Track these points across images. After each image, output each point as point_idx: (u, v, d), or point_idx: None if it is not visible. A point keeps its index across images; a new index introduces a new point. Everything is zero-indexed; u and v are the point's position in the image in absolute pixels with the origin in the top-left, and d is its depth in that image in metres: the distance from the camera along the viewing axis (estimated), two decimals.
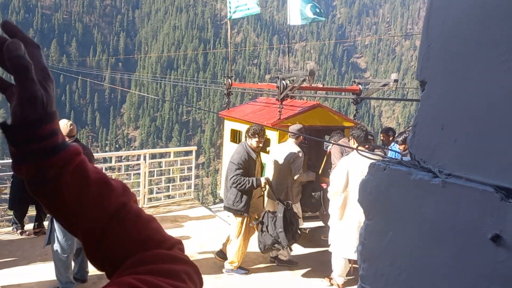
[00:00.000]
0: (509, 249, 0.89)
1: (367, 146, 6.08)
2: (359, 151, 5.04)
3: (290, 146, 6.49)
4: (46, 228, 5.72)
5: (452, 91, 1.01)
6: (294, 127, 6.47)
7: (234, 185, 5.91)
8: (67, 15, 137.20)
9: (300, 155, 6.39)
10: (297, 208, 6.59)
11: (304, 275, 6.40)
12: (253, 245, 6.33)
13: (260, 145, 6.16)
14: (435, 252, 1.01)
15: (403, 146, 6.89)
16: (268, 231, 5.93)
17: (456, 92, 1.00)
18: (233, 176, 5.88)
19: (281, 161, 6.47)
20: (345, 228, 5.61)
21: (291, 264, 6.65)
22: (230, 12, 9.67)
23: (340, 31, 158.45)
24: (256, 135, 6.03)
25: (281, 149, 6.61)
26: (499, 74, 0.92)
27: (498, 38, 0.92)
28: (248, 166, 6.00)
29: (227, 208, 6.21)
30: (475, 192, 0.94)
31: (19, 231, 7.24)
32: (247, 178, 5.95)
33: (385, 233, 1.12)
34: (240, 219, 6.16)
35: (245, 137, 6.23)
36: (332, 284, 6.24)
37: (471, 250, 0.95)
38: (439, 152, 1.03)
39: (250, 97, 10.64)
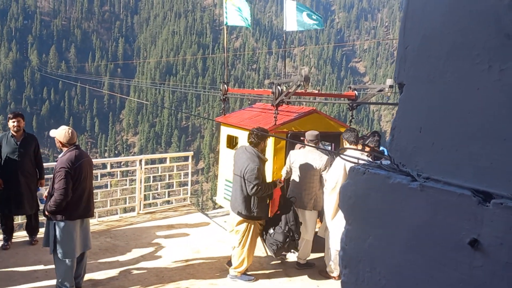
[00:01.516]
0: (486, 253, 0.87)
1: (363, 147, 6.21)
2: (341, 156, 5.16)
3: (318, 154, 6.44)
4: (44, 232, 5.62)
5: (429, 93, 0.99)
6: (311, 133, 6.40)
7: (257, 194, 5.86)
8: (66, 21, 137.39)
9: (330, 163, 6.33)
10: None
11: (311, 277, 6.38)
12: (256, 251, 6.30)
13: (266, 147, 6.16)
14: (414, 257, 0.99)
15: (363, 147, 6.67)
16: (281, 228, 5.96)
17: (433, 95, 0.98)
18: (255, 186, 5.77)
19: (310, 169, 6.42)
20: (340, 220, 5.69)
21: (310, 266, 6.66)
22: (226, 18, 9.68)
23: (338, 35, 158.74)
24: (263, 138, 5.98)
25: (307, 156, 6.48)
26: (475, 76, 0.90)
27: (472, 40, 0.91)
28: (262, 170, 5.97)
29: (242, 215, 6.06)
30: (452, 196, 0.92)
31: (1, 243, 6.94)
32: (267, 184, 5.95)
33: (365, 238, 1.10)
34: (250, 225, 6.09)
35: (251, 141, 6.05)
36: (328, 277, 6.32)
37: (449, 255, 0.93)
38: (418, 156, 1.01)
39: (249, 102, 10.60)
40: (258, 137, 5.97)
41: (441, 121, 0.97)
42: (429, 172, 0.99)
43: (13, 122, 6.77)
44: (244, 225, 6.12)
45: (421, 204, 0.98)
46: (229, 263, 6.49)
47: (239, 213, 6.09)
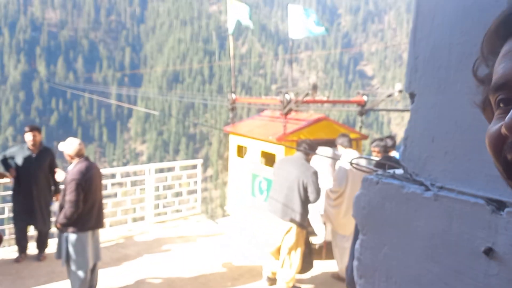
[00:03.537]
0: (501, 262, 0.88)
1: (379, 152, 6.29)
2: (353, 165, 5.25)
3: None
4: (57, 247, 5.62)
5: (440, 102, 1.00)
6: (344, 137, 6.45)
7: (316, 201, 5.83)
8: (73, 32, 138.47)
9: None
10: None
11: None
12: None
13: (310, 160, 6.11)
14: (429, 266, 1.00)
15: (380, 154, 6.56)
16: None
17: (444, 104, 0.99)
18: (319, 193, 5.76)
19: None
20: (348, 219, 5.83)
21: None
22: (230, 27, 9.73)
23: (345, 39, 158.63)
24: (313, 149, 5.94)
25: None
26: None
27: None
28: None
29: (297, 222, 5.86)
30: (466, 205, 0.93)
31: (16, 256, 6.91)
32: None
33: (380, 248, 1.11)
34: (302, 233, 5.95)
35: (305, 152, 5.89)
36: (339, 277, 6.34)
37: (464, 264, 0.94)
38: (431, 165, 1.02)
39: (257, 108, 10.58)
40: (310, 148, 5.89)
41: (453, 130, 0.97)
42: (443, 181, 0.99)
43: (29, 136, 6.75)
44: (295, 233, 5.89)
45: (436, 214, 0.99)
46: (270, 279, 6.33)
47: (292, 220, 5.85)
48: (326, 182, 6.59)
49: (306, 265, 6.08)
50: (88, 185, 5.26)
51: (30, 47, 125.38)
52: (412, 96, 1.06)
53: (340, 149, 6.36)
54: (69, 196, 5.14)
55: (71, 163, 5.37)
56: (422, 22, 1.04)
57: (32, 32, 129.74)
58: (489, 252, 0.89)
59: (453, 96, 0.98)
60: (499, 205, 0.89)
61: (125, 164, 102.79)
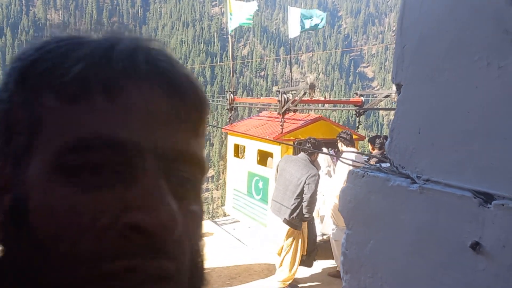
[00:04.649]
0: (488, 256, 0.84)
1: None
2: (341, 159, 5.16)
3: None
4: None
5: (428, 93, 0.97)
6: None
7: (313, 201, 5.74)
8: (76, 33, 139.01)
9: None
10: None
11: None
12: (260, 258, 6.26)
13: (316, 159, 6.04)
14: (416, 262, 0.97)
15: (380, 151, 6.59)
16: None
17: (432, 94, 0.96)
18: (315, 192, 5.67)
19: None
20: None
21: None
22: (230, 27, 9.74)
23: (346, 41, 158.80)
24: (319, 148, 5.89)
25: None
26: (473, 74, 0.88)
27: (471, 37, 0.88)
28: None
29: (291, 223, 5.80)
30: (453, 197, 0.90)
31: None
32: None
33: (366, 242, 1.08)
34: (297, 233, 5.89)
35: (309, 151, 5.83)
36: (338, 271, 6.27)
37: (451, 258, 0.91)
38: (417, 157, 0.99)
39: (258, 109, 10.60)
40: (314, 147, 5.87)
41: (440, 121, 0.94)
42: (429, 173, 0.96)
43: None
44: (291, 233, 5.86)
45: (422, 207, 0.96)
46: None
47: (285, 220, 5.81)
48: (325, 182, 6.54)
49: (306, 262, 6.04)
50: None
51: None
52: (399, 87, 1.03)
53: (340, 146, 6.33)
54: None
55: None
56: (409, 9, 1.01)
57: (34, 33, 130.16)
58: (476, 246, 0.86)
59: (440, 86, 0.95)
60: (487, 198, 0.86)
61: None
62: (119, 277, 0.39)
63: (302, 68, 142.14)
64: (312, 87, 6.26)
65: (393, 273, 1.02)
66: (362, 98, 7.73)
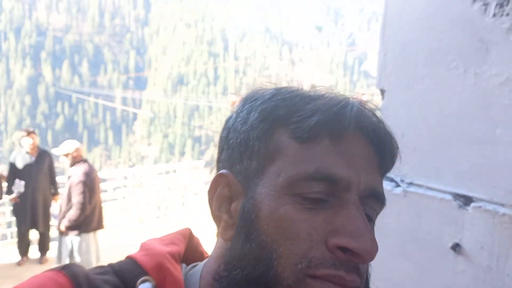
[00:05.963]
0: (468, 258, 0.87)
1: None
2: None
3: None
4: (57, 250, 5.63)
5: (409, 99, 1.00)
6: None
7: None
8: (78, 36, 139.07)
9: None
10: None
11: None
12: None
13: None
14: (400, 264, 0.99)
15: None
16: None
17: (413, 100, 0.99)
18: None
19: None
20: None
21: None
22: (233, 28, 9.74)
23: (350, 38, 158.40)
24: None
25: None
26: (451, 81, 0.91)
27: (448, 45, 0.91)
28: None
29: None
30: (434, 200, 0.93)
31: (18, 259, 6.93)
32: None
33: None
34: None
35: None
36: None
37: (433, 260, 0.93)
38: (400, 161, 1.02)
39: None
40: None
41: (421, 126, 0.97)
42: (412, 177, 0.99)
43: (29, 139, 6.77)
44: None
45: (405, 210, 0.98)
46: None
47: None
48: None
49: None
50: (92, 186, 5.30)
51: (35, 52, 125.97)
52: (382, 92, 1.06)
53: None
54: (78, 198, 5.14)
55: (72, 165, 5.37)
56: (391, 18, 1.04)
57: (37, 37, 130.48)
58: (456, 248, 0.88)
59: (421, 92, 0.97)
60: (466, 200, 0.88)
61: (131, 167, 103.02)
62: (320, 281, 0.51)
63: (306, 67, 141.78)
64: (313, 87, 6.27)
65: (378, 276, 1.05)
66: (364, 97, 7.73)
